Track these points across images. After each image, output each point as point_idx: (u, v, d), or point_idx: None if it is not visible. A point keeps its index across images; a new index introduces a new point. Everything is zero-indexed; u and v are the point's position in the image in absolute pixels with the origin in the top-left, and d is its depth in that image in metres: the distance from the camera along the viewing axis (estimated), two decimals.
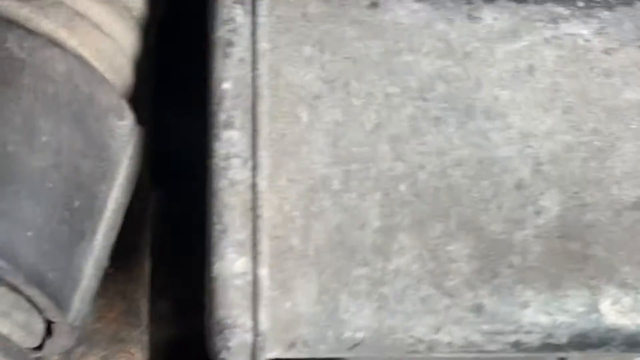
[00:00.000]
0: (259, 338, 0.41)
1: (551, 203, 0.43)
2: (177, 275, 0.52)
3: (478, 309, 0.42)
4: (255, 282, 0.41)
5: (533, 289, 0.42)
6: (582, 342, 0.42)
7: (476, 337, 0.42)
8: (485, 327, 0.42)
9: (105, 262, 0.43)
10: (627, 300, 0.42)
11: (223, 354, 0.41)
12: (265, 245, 0.41)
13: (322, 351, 0.42)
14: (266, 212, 0.41)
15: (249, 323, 0.41)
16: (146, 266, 0.50)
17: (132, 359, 0.47)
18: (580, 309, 0.42)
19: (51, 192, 0.41)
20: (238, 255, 0.41)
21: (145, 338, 0.48)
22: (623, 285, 0.42)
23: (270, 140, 0.42)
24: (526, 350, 0.42)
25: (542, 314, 0.42)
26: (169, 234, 0.54)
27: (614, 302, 0.42)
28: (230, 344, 0.41)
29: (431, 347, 0.42)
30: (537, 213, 0.43)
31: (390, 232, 0.42)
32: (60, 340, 0.43)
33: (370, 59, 0.43)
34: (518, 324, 0.42)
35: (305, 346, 0.41)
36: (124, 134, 0.43)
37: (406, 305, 0.41)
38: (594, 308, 0.42)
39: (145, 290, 0.50)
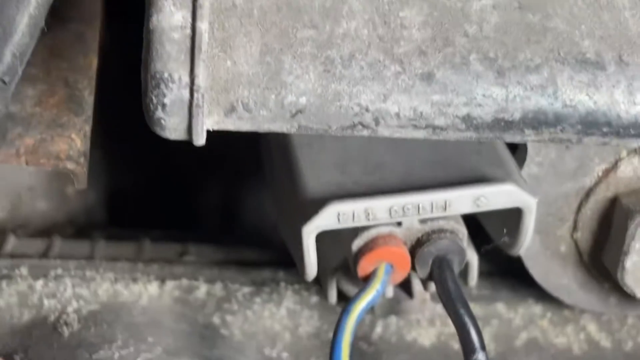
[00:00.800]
0: (197, 95, 0.39)
1: None
2: None
3: (428, 77, 0.40)
4: (193, 37, 0.39)
5: (487, 59, 0.40)
6: (536, 118, 0.40)
7: (425, 108, 0.40)
8: (435, 97, 0.40)
9: (41, 22, 0.42)
10: (585, 75, 0.40)
11: (158, 113, 0.39)
12: (206, 0, 0.39)
13: (264, 118, 0.40)
14: None
15: (185, 78, 0.39)
16: (93, 61, 0.48)
17: (72, 144, 0.45)
18: (536, 82, 0.40)
19: None
20: (177, 9, 0.39)
21: (87, 127, 0.46)
22: (582, 60, 0.40)
23: None
24: (477, 126, 0.40)
25: (496, 85, 0.40)
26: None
27: (572, 77, 0.40)
28: (166, 100, 0.39)
29: (378, 117, 0.40)
30: None
31: None
32: None
33: None
34: (470, 95, 0.40)
35: (246, 110, 0.40)
36: None
37: (353, 70, 0.39)
38: (550, 82, 0.40)
39: (91, 83, 0.48)
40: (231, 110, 0.40)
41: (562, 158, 0.47)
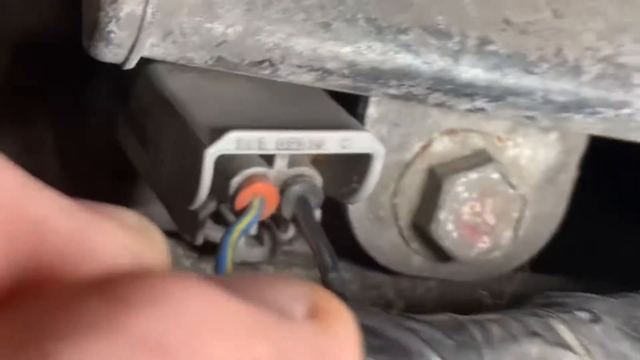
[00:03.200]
0: (149, 12, 0.46)
1: None
2: None
3: (326, 26, 0.50)
4: None
5: (370, 19, 0.51)
6: (401, 70, 0.51)
7: (322, 51, 0.50)
8: (330, 42, 0.50)
9: None
10: (438, 41, 0.52)
11: (111, 26, 0.46)
12: None
13: (193, 45, 0.48)
14: None
15: None
16: None
17: None
18: (405, 41, 0.51)
19: None
20: None
21: None
22: (436, 30, 0.52)
23: None
24: (357, 73, 0.51)
25: (376, 40, 0.50)
26: None
27: (429, 41, 0.51)
28: (122, 13, 0.46)
29: (284, 55, 0.49)
30: None
31: None
32: None
33: None
34: (356, 45, 0.50)
35: (182, 34, 0.48)
36: None
37: (270, 12, 0.49)
38: (414, 42, 0.51)
39: None
40: (169, 33, 0.47)
41: (390, 135, 0.58)
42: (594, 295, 0.49)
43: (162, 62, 0.53)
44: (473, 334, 0.44)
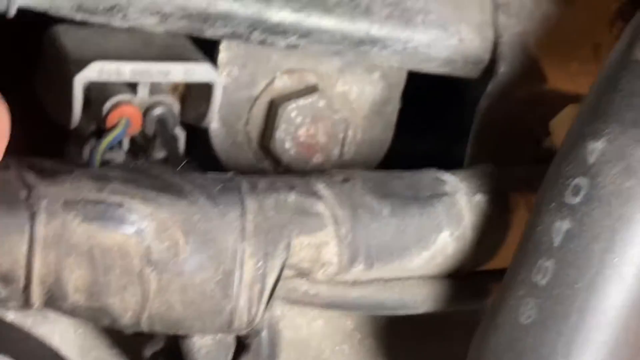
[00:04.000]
0: None
1: None
2: None
3: None
4: None
5: None
6: (215, 15, 0.67)
7: None
8: None
9: None
10: None
11: None
12: None
13: None
14: None
15: None
16: None
17: None
18: None
19: None
20: None
21: None
22: None
23: None
24: (188, 16, 0.66)
25: None
26: None
27: None
28: None
29: (129, 1, 0.65)
30: None
31: None
32: None
33: None
34: None
35: None
36: None
37: None
38: None
39: None
40: None
41: (240, 74, 0.73)
42: (359, 170, 0.64)
43: (62, 23, 0.70)
44: (239, 183, 0.59)
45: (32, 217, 0.55)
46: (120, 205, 0.56)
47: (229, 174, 0.60)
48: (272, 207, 0.60)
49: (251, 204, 0.59)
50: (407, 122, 0.77)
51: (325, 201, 0.60)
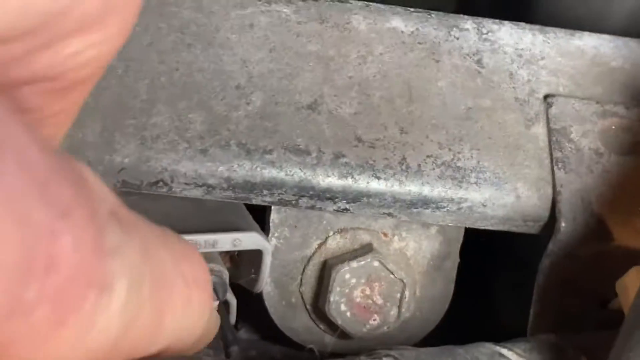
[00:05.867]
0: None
1: (256, 99, 0.67)
2: None
3: (205, 152, 0.65)
4: None
5: (241, 144, 0.66)
6: (269, 182, 0.66)
7: (202, 171, 0.65)
8: (208, 164, 0.65)
9: None
10: (299, 157, 0.66)
11: None
12: None
13: (99, 172, 0.64)
14: None
15: None
16: None
17: None
18: (270, 160, 0.66)
19: None
20: None
21: None
22: (297, 149, 0.66)
23: None
24: (234, 186, 0.65)
25: (246, 160, 0.65)
26: None
27: (291, 157, 0.66)
28: None
29: (172, 176, 0.65)
30: (247, 104, 0.67)
31: (152, 102, 0.66)
32: None
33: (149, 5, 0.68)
34: (229, 164, 0.65)
35: (88, 165, 0.64)
36: None
37: (158, 144, 0.65)
38: (278, 159, 0.66)
39: None
40: None
41: (292, 235, 0.72)
42: (410, 347, 0.61)
43: None
44: None
45: None
46: None
47: None
48: None
49: None
50: (464, 281, 0.75)
51: None
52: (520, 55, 0.73)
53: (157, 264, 0.41)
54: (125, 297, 0.36)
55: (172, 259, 0.43)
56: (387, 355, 0.60)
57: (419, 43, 0.72)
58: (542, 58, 0.73)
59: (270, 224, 0.71)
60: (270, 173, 0.66)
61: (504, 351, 0.62)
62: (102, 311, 0.35)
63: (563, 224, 0.68)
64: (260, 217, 0.71)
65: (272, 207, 0.71)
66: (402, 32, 0.72)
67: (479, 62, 0.72)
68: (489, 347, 0.62)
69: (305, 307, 0.74)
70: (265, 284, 0.71)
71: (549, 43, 0.74)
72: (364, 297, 0.72)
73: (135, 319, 0.40)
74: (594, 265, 0.68)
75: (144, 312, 0.42)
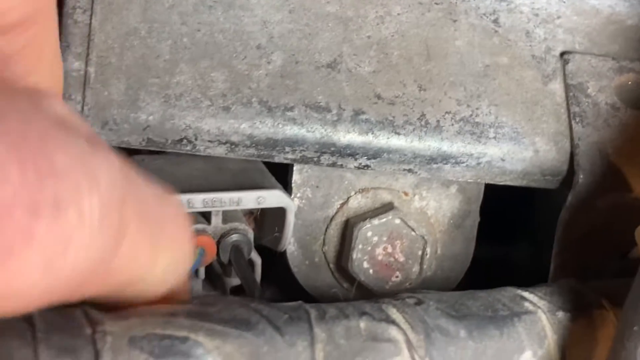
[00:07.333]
0: (86, 109, 0.64)
1: (277, 58, 0.69)
2: None
3: (227, 109, 0.66)
4: (85, 75, 0.65)
5: (262, 102, 0.67)
6: (291, 139, 0.67)
7: (225, 128, 0.66)
8: (231, 121, 0.66)
9: None
10: (320, 114, 0.67)
11: None
12: (93, 58, 0.65)
13: (125, 131, 0.65)
14: (97, 39, 0.66)
15: (79, 98, 0.64)
16: None
17: None
18: (291, 116, 0.67)
19: None
20: (75, 60, 0.65)
21: None
22: (318, 105, 0.67)
23: (102, 2, 0.67)
24: (256, 143, 0.66)
25: (268, 117, 0.67)
26: None
27: (312, 114, 0.67)
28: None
29: (196, 133, 0.66)
30: (268, 63, 0.68)
31: (175, 61, 0.67)
32: None
33: None
34: (252, 121, 0.66)
35: (115, 124, 0.65)
36: None
37: (182, 102, 0.66)
38: (300, 117, 0.67)
39: None
40: (105, 123, 0.65)
41: (314, 195, 0.73)
42: (432, 291, 0.62)
43: (136, 154, 0.71)
44: (308, 312, 0.58)
45: (97, 355, 0.55)
46: (185, 339, 0.56)
47: (297, 303, 0.58)
48: (343, 335, 0.58)
49: (320, 332, 0.58)
50: (488, 232, 0.76)
51: (398, 326, 0.58)
52: (536, 15, 0.74)
53: (140, 193, 0.42)
54: (99, 215, 0.37)
55: (156, 196, 0.44)
56: (410, 297, 0.61)
57: (436, 3, 0.73)
58: (558, 17, 0.74)
59: (293, 185, 0.73)
60: (292, 130, 0.67)
61: (526, 294, 0.62)
62: (72, 230, 0.35)
63: (581, 177, 0.69)
64: (282, 179, 0.72)
65: (294, 168, 0.72)
66: None
67: (495, 21, 0.73)
68: (510, 291, 0.63)
69: (329, 266, 0.75)
70: (289, 244, 0.72)
71: (564, 2, 0.75)
72: (385, 255, 0.73)
73: (120, 242, 0.41)
74: (612, 216, 0.69)
75: (134, 238, 0.42)
